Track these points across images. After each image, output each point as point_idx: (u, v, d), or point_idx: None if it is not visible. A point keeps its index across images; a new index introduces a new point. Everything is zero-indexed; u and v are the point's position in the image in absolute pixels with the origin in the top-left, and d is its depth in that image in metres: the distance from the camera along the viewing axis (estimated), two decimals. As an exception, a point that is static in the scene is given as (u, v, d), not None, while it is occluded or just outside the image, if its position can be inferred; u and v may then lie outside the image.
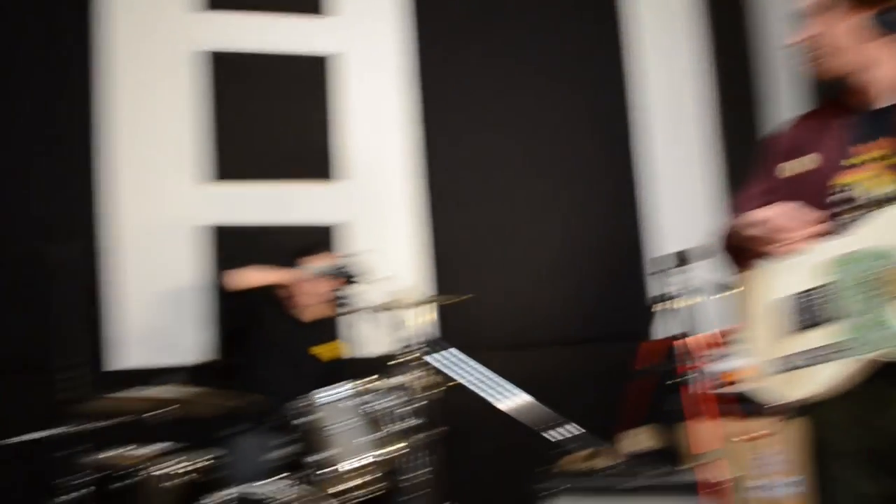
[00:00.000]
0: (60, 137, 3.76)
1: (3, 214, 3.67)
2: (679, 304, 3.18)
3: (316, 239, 3.86)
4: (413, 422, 2.76)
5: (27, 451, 2.87)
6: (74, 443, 2.61)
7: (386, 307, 2.80)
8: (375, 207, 4.20)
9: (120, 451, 3.03)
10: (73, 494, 2.59)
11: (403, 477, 3.24)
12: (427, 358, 3.03)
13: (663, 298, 3.26)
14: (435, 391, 3.06)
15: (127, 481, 2.74)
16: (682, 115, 4.72)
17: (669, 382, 3.23)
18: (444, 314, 3.88)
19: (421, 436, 2.81)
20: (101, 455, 2.95)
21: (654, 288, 4.21)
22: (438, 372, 3.12)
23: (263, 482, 2.77)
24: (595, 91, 4.60)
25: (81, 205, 3.77)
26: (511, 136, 4.41)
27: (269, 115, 4.06)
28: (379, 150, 4.23)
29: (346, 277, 2.75)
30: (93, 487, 2.72)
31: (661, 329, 3.51)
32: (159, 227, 3.90)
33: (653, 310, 3.32)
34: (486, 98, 4.40)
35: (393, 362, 3.10)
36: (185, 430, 3.19)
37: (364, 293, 2.75)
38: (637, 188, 4.59)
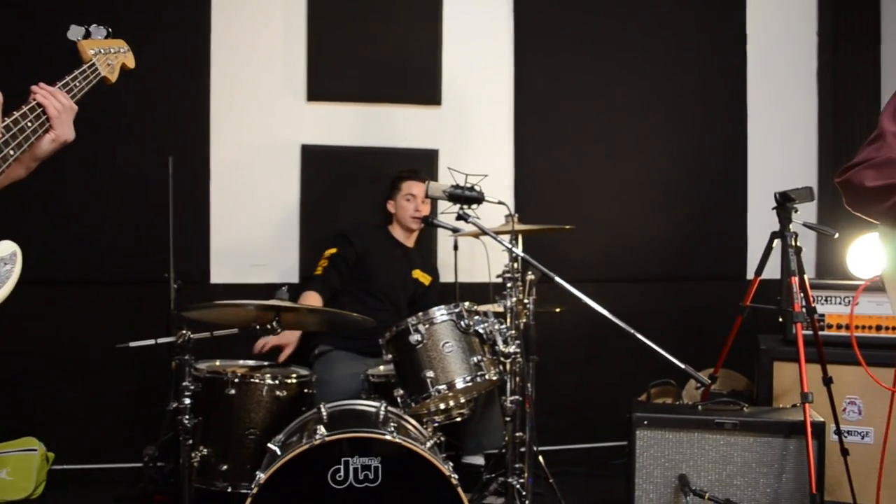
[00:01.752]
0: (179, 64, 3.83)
1: (129, 136, 3.79)
2: (789, 242, 3.08)
3: (414, 163, 3.89)
4: (509, 348, 2.76)
5: (144, 355, 3.04)
6: (185, 350, 2.71)
7: (492, 232, 2.77)
8: (470, 134, 4.17)
9: (223, 362, 3.21)
10: (185, 397, 2.69)
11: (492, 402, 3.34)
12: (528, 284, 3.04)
13: (776, 236, 3.16)
14: (531, 318, 3.08)
15: (232, 390, 2.87)
16: (795, 52, 4.53)
17: (780, 321, 3.17)
18: (535, 243, 3.88)
19: (516, 362, 2.81)
20: (207, 364, 3.11)
21: (761, 226, 4.16)
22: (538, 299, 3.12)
23: (354, 400, 2.84)
24: (704, 22, 4.41)
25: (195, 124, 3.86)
26: (614, 66, 4.28)
27: (373, 38, 4.03)
28: (476, 77, 4.17)
29: (461, 201, 2.72)
30: (201, 392, 2.86)
31: (759, 268, 3.43)
32: (261, 146, 3.96)
33: (770, 247, 3.23)
34: (589, 28, 4.27)
35: (494, 287, 3.13)
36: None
37: (473, 218, 2.73)
38: (742, 125, 4.45)
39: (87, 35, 1.89)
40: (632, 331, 2.41)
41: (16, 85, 1.68)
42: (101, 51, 1.89)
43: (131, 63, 2.03)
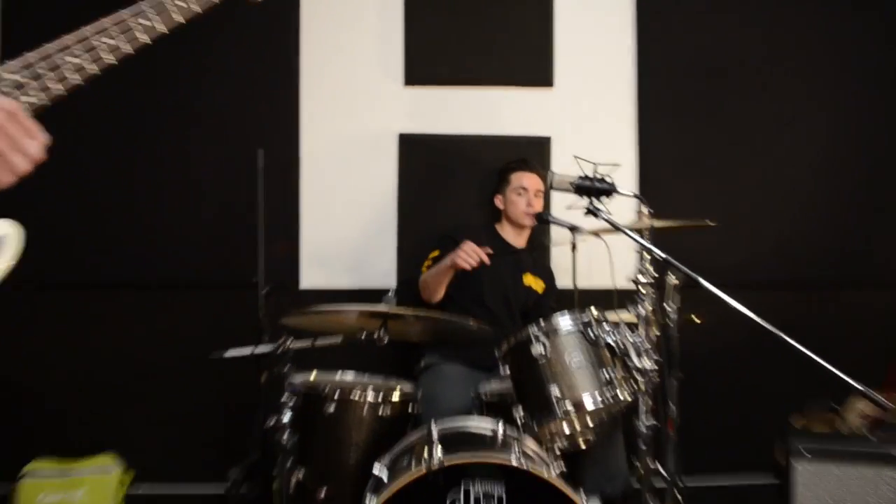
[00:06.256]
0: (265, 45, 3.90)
1: (220, 122, 3.87)
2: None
3: (524, 152, 3.82)
4: (645, 363, 2.62)
5: (229, 365, 3.05)
6: (283, 361, 2.69)
7: (628, 230, 2.65)
8: (587, 119, 4.09)
9: (320, 374, 3.14)
10: (285, 412, 2.67)
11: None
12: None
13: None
14: (675, 329, 2.91)
15: (331, 407, 2.79)
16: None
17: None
18: (663, 244, 3.74)
19: (651, 379, 2.66)
20: (302, 376, 3.06)
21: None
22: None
23: (465, 417, 2.75)
24: (861, 12, 4.19)
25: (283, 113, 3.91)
26: (753, 42, 4.15)
27: (477, 14, 4.01)
28: (594, 55, 4.11)
29: (590, 193, 2.62)
30: (300, 407, 2.79)
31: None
32: (355, 136, 3.98)
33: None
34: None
35: (619, 294, 2.99)
36: (386, 358, 3.29)
37: (604, 213, 2.62)
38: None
39: None
40: (802, 348, 2.28)
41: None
42: None
43: None
